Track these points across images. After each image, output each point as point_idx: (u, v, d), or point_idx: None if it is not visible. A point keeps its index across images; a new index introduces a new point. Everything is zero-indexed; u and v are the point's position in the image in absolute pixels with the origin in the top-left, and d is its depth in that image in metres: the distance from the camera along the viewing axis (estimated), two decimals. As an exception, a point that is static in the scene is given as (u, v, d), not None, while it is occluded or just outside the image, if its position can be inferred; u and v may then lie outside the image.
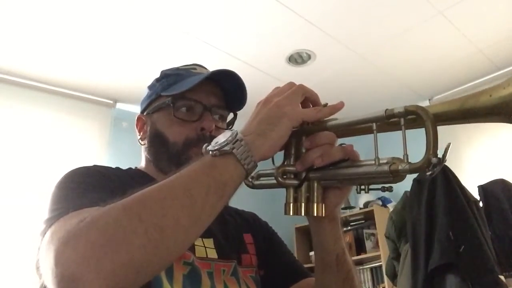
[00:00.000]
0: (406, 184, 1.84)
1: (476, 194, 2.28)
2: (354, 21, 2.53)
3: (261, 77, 2.99)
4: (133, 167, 0.90)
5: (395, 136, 0.55)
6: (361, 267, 3.43)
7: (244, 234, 0.88)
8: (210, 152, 0.55)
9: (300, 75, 3.04)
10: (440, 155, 0.48)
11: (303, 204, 0.63)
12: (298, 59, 2.90)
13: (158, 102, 0.86)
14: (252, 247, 0.87)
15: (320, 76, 3.09)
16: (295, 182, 0.63)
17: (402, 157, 0.52)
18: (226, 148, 0.54)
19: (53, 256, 0.47)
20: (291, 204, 0.63)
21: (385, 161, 0.54)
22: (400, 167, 0.51)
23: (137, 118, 0.92)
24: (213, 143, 0.56)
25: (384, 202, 3.46)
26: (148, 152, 0.87)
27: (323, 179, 0.63)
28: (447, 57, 2.94)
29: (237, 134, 0.56)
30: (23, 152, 2.74)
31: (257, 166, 0.58)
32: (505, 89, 0.44)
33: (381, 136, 0.55)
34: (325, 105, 0.63)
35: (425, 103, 3.47)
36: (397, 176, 0.52)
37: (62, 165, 2.75)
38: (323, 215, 0.64)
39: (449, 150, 0.48)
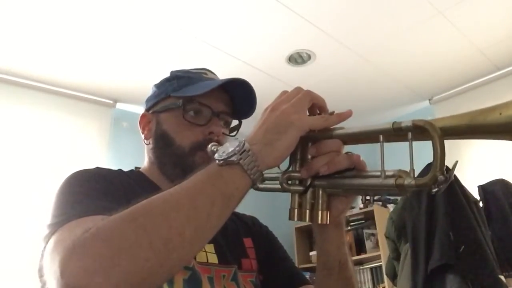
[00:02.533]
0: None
1: (476, 194, 2.28)
2: (354, 21, 2.53)
3: (261, 77, 2.99)
4: (135, 168, 0.89)
5: (401, 143, 0.55)
6: (361, 267, 3.43)
7: (244, 239, 0.88)
8: (217, 161, 0.55)
9: (300, 75, 3.04)
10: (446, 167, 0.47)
11: (307, 211, 0.63)
12: (298, 59, 2.90)
13: (167, 102, 0.85)
14: (252, 252, 0.87)
15: (320, 76, 3.09)
16: (300, 188, 0.63)
17: (408, 170, 0.51)
18: (233, 158, 0.54)
19: (58, 266, 0.48)
20: (296, 210, 0.63)
21: (391, 173, 0.53)
22: (406, 182, 0.51)
23: (142, 115, 0.90)
24: (220, 151, 0.56)
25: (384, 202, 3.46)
26: (152, 153, 0.86)
27: (328, 187, 0.62)
28: (447, 57, 2.94)
29: (244, 144, 0.56)
30: (23, 152, 2.74)
31: (263, 175, 0.58)
32: None
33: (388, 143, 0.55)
34: (332, 113, 0.63)
35: (425, 103, 3.52)
36: (403, 190, 0.52)
37: (62, 165, 2.76)
38: (327, 222, 0.64)
39: (456, 168, 0.47)
